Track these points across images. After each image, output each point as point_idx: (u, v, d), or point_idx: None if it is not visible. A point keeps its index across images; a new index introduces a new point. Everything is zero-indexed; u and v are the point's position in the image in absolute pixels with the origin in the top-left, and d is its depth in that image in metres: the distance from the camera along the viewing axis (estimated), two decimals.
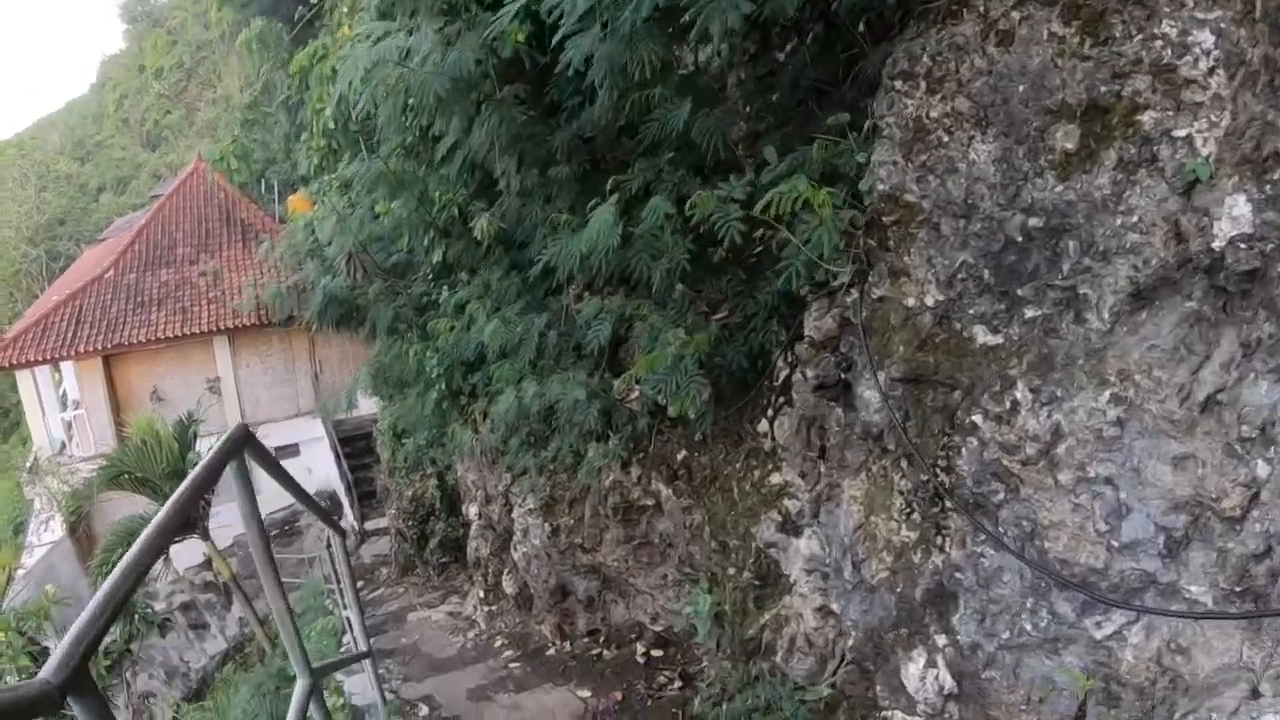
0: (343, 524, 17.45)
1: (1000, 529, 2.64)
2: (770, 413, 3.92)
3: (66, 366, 17.67)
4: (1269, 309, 2.15)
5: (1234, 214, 2.17)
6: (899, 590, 3.07)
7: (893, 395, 2.80)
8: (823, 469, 3.50)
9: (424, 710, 5.30)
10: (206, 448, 11.81)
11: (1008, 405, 2.53)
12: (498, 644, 6.93)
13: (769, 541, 3.83)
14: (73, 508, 13.64)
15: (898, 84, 2.80)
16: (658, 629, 5.71)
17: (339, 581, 4.68)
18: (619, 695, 4.85)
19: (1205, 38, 2.26)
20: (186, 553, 14.77)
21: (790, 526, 3.74)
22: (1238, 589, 2.24)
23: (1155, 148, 2.38)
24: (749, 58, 5.56)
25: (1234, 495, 2.22)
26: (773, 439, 3.92)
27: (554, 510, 6.30)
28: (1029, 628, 2.72)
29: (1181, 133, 2.34)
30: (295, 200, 16.04)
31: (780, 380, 3.92)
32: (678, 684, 4.89)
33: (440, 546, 11.77)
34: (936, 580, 2.93)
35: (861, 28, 4.03)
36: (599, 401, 4.73)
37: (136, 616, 11.92)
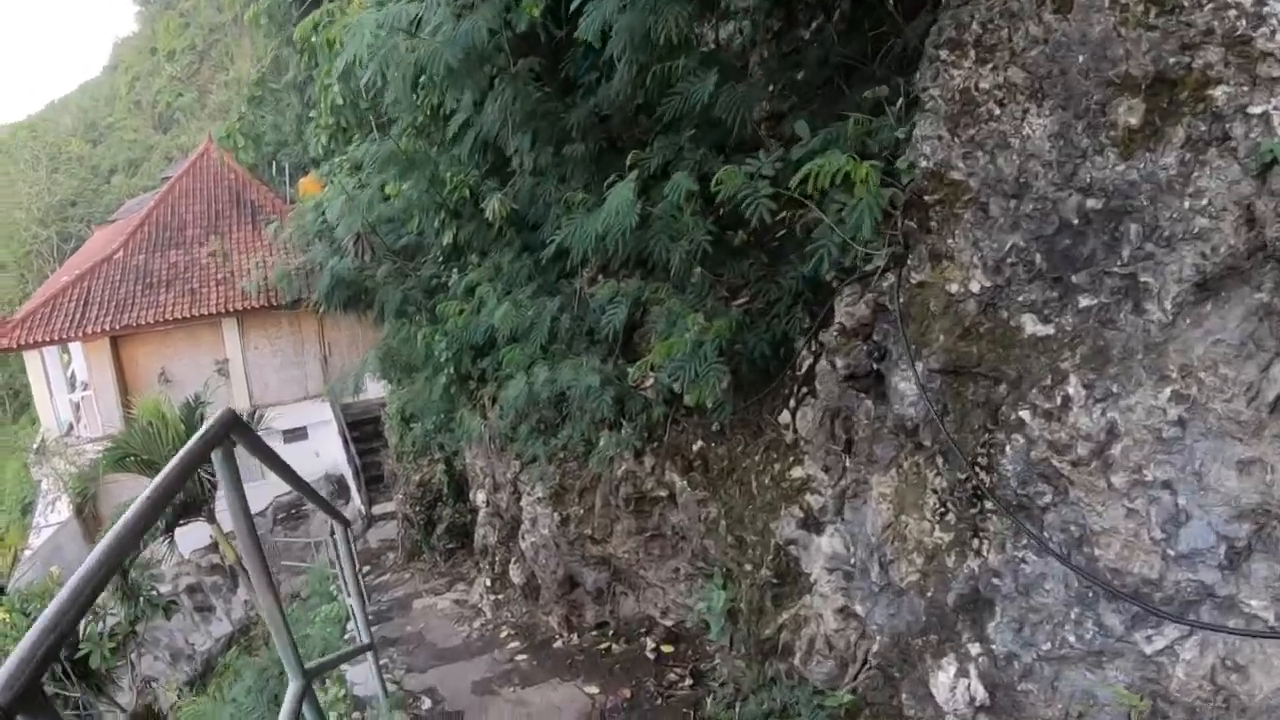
0: (350, 508, 17.44)
1: (1045, 534, 2.46)
2: (792, 403, 3.74)
3: (75, 348, 17.62)
4: None
5: None
6: (930, 594, 2.90)
7: (930, 387, 2.62)
8: (848, 464, 3.32)
9: (426, 703, 5.17)
10: None
11: (1058, 401, 2.35)
12: (504, 634, 6.80)
13: (789, 538, 3.66)
14: (79, 489, 13.58)
15: (943, 53, 2.60)
16: (668, 624, 5.56)
17: (341, 573, 4.53)
18: (627, 692, 4.70)
19: None
20: (193, 535, 14.72)
21: (812, 523, 3.57)
22: None
23: (1227, 125, 2.18)
24: (772, 36, 5.35)
25: None
26: (794, 431, 3.74)
27: (563, 499, 6.14)
28: (1072, 639, 2.54)
29: (1257, 110, 2.14)
30: (306, 183, 15.90)
31: (803, 370, 3.74)
32: (689, 682, 4.74)
33: (447, 533, 11.68)
34: (971, 585, 2.75)
35: (892, 3, 3.82)
36: (612, 388, 4.56)
37: (141, 599, 11.82)
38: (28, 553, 14.85)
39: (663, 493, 4.95)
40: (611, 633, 5.80)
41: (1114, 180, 2.32)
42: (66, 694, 11.86)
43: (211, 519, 12.59)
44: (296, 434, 18.12)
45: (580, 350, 5.25)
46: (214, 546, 14.14)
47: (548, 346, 5.33)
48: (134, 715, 12.52)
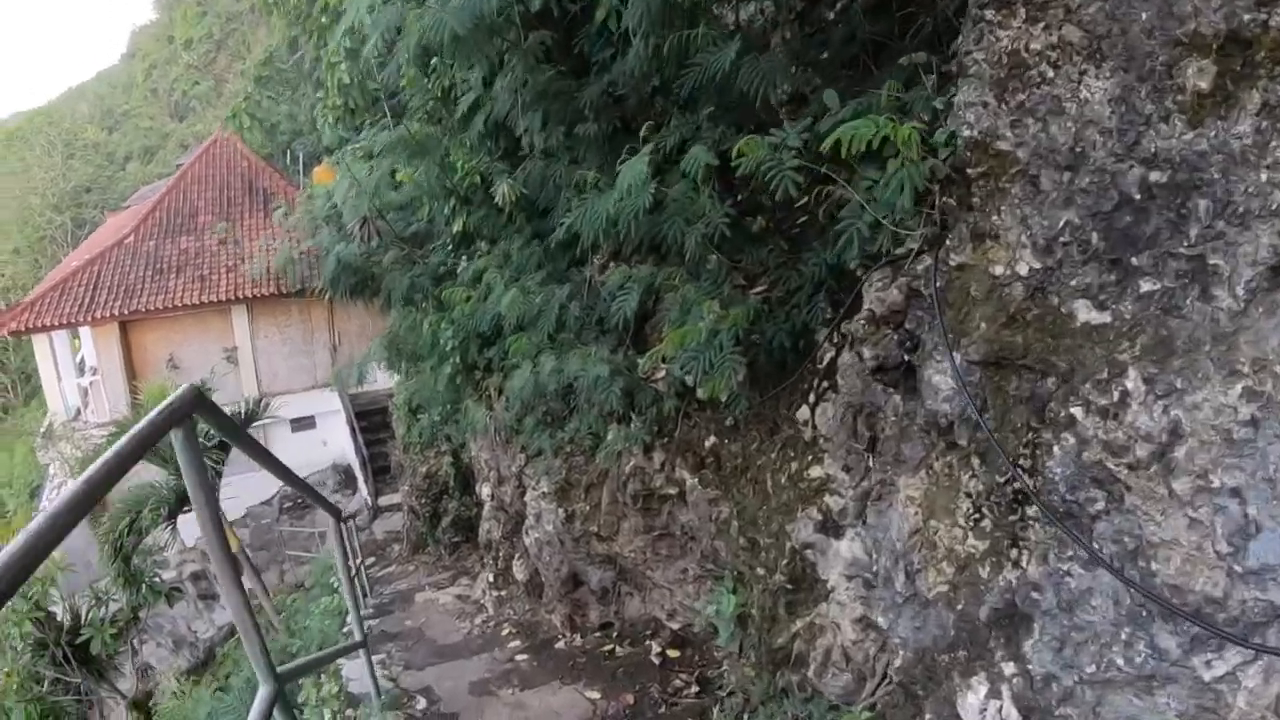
0: (357, 499, 17.31)
1: (1095, 545, 2.22)
2: (812, 398, 3.51)
3: (84, 333, 17.57)
4: None
5: None
6: (960, 608, 2.66)
7: (968, 380, 2.38)
8: (872, 463, 3.09)
9: (422, 703, 4.98)
10: None
11: (1115, 397, 2.11)
12: (505, 632, 6.61)
13: (805, 542, 3.43)
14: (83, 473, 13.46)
15: (988, 13, 2.36)
16: (675, 626, 5.35)
17: (335, 565, 4.34)
18: (630, 699, 4.49)
19: None
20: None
21: (831, 526, 3.34)
22: None
23: None
24: (795, 16, 5.11)
25: None
26: (813, 428, 3.51)
27: (569, 495, 5.93)
28: (1120, 662, 2.30)
29: None
30: (320, 172, 15.77)
31: (824, 363, 3.51)
32: (694, 689, 4.52)
33: (453, 525, 11.53)
34: (1007, 599, 2.51)
35: None
36: (622, 380, 4.34)
37: (144, 586, 11.71)
38: None
39: (672, 490, 4.73)
40: (616, 634, 5.59)
41: (1181, 150, 2.08)
42: (67, 679, 11.81)
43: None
44: (304, 423, 18.01)
45: (589, 340, 5.03)
46: None
47: (555, 335, 5.12)
48: (134, 702, 12.44)
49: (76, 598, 12.41)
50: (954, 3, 3.40)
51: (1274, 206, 1.97)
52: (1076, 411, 2.17)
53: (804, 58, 4.77)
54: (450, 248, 7.98)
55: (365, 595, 9.54)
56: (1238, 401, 2.01)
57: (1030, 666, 2.51)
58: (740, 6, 5.37)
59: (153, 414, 1.85)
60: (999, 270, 2.27)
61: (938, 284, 2.40)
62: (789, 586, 3.54)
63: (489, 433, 7.26)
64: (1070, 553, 2.34)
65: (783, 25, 5.24)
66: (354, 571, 8.75)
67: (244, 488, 15.55)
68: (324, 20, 7.84)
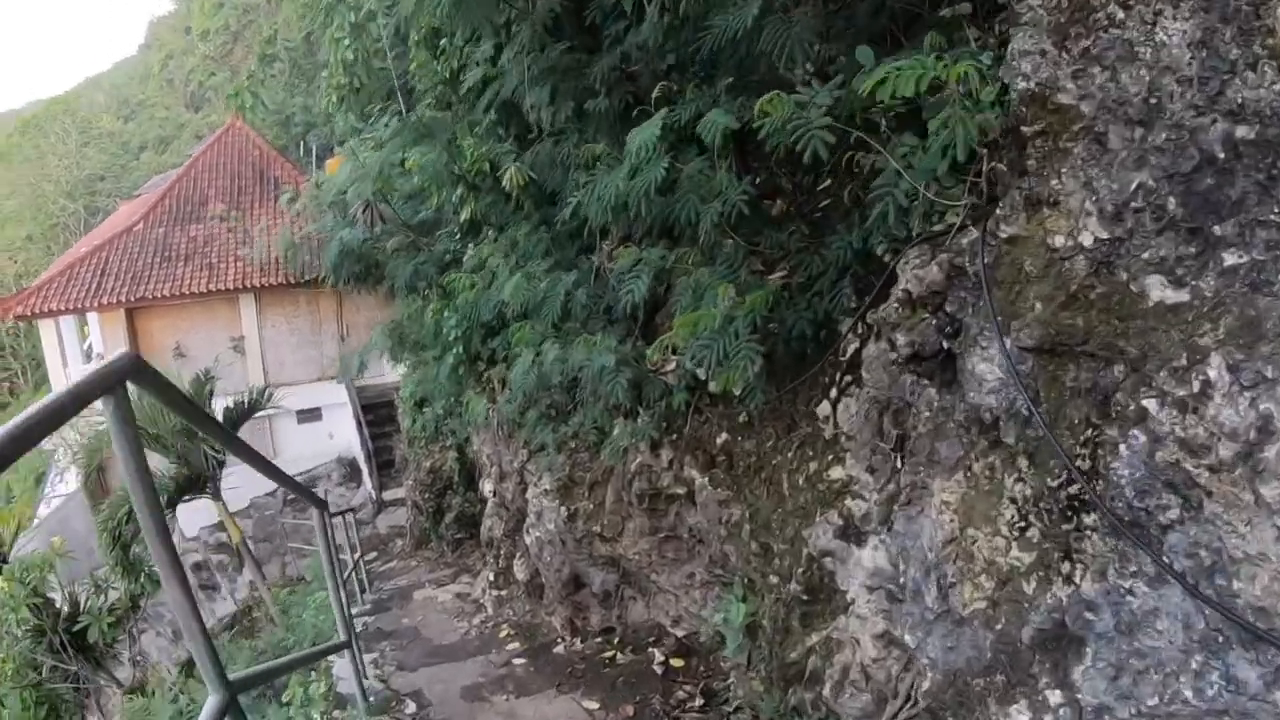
0: (361, 492, 17.12)
1: (1166, 559, 1.93)
2: (833, 393, 3.22)
3: (92, 319, 17.46)
4: None
5: None
6: (999, 627, 2.37)
7: (1019, 370, 2.09)
8: (901, 464, 2.80)
9: (411, 707, 4.72)
10: (222, 406, 11.37)
11: (1195, 387, 1.82)
12: (503, 634, 6.35)
13: (824, 549, 3.15)
14: (85, 460, 13.34)
15: None
16: (679, 633, 5.06)
17: (321, 562, 4.09)
18: (630, 710, 4.21)
19: None
20: (204, 512, 14.46)
21: (852, 532, 3.05)
22: None
23: None
24: None
25: None
26: (834, 425, 3.22)
27: (572, 493, 5.66)
28: (1188, 694, 2.00)
29: None
30: (333, 164, 15.61)
31: (848, 355, 3.22)
32: (699, 702, 4.24)
33: (456, 522, 11.29)
34: (1056, 619, 2.22)
35: None
36: (629, 371, 4.06)
37: (143, 574, 11.53)
38: (35, 522, 14.69)
39: (680, 490, 4.46)
40: (617, 640, 5.31)
41: (1271, 102, 1.79)
42: (65, 667, 11.64)
43: (217, 496, 12.28)
44: (311, 415, 17.85)
45: (596, 330, 4.77)
46: (222, 523, 13.82)
47: (560, 324, 4.86)
48: (130, 691, 12.26)
49: (76, 585, 12.26)
50: None
51: None
52: (1149, 404, 1.88)
53: (828, 34, 4.49)
54: (458, 235, 7.75)
55: (364, 590, 9.32)
56: None
57: (1080, 696, 2.22)
58: None
59: (83, 378, 1.59)
60: (1059, 242, 1.98)
61: (985, 260, 2.11)
62: (804, 597, 3.25)
63: (491, 426, 7.01)
64: (1134, 568, 2.05)
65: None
66: (350, 566, 8.53)
67: (248, 478, 15.35)
68: None
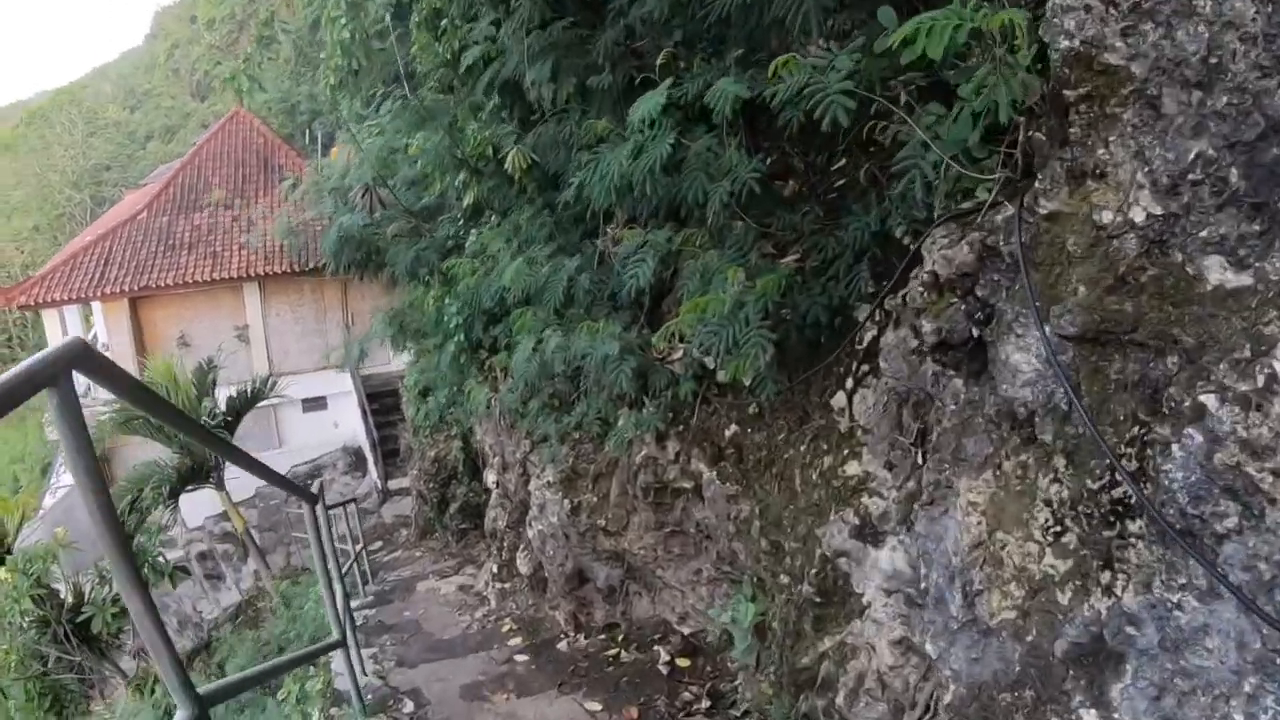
0: (367, 481, 17.03)
1: (1222, 570, 1.75)
2: (849, 383, 3.04)
3: (96, 309, 17.37)
4: None
5: None
6: (1030, 639, 2.19)
7: (1059, 359, 1.90)
8: (923, 461, 2.62)
9: (409, 706, 4.58)
10: (226, 395, 11.24)
11: (1259, 382, 1.63)
12: (505, 628, 6.20)
13: (838, 549, 2.97)
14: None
15: None
16: (685, 631, 4.91)
17: (317, 559, 3.93)
18: (634, 713, 4.06)
19: None
20: (209, 501, 14.39)
21: (869, 532, 2.87)
22: None
23: None
24: None
25: None
26: (850, 417, 3.04)
27: (575, 485, 5.50)
28: (1238, 718, 1.82)
29: None
30: (337, 152, 15.43)
31: (865, 343, 3.04)
32: (705, 704, 4.08)
33: (460, 512, 11.17)
34: (1093, 633, 2.04)
35: None
36: (633, 359, 3.88)
37: (147, 565, 11.45)
38: (41, 513, 14.64)
39: (687, 484, 4.28)
40: (622, 637, 5.16)
41: None
42: (70, 658, 11.60)
43: (220, 486, 12.19)
44: (316, 403, 17.76)
45: (600, 316, 4.59)
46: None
47: (563, 310, 4.68)
48: (134, 682, 12.22)
49: (80, 576, 12.20)
50: None
51: None
52: (1207, 400, 1.69)
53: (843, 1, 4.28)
54: (460, 221, 7.58)
55: (366, 582, 9.20)
56: None
57: (1117, 716, 2.04)
58: None
59: (12, 372, 1.42)
60: (1106, 218, 1.78)
61: (1023, 238, 1.91)
62: (817, 599, 3.08)
63: (493, 416, 6.86)
64: (1183, 580, 1.86)
65: None
66: (352, 558, 8.40)
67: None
68: None
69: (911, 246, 3.00)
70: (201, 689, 1.92)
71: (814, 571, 3.11)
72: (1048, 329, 1.86)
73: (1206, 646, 1.86)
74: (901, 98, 2.56)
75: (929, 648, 2.50)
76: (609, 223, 4.93)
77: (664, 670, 4.46)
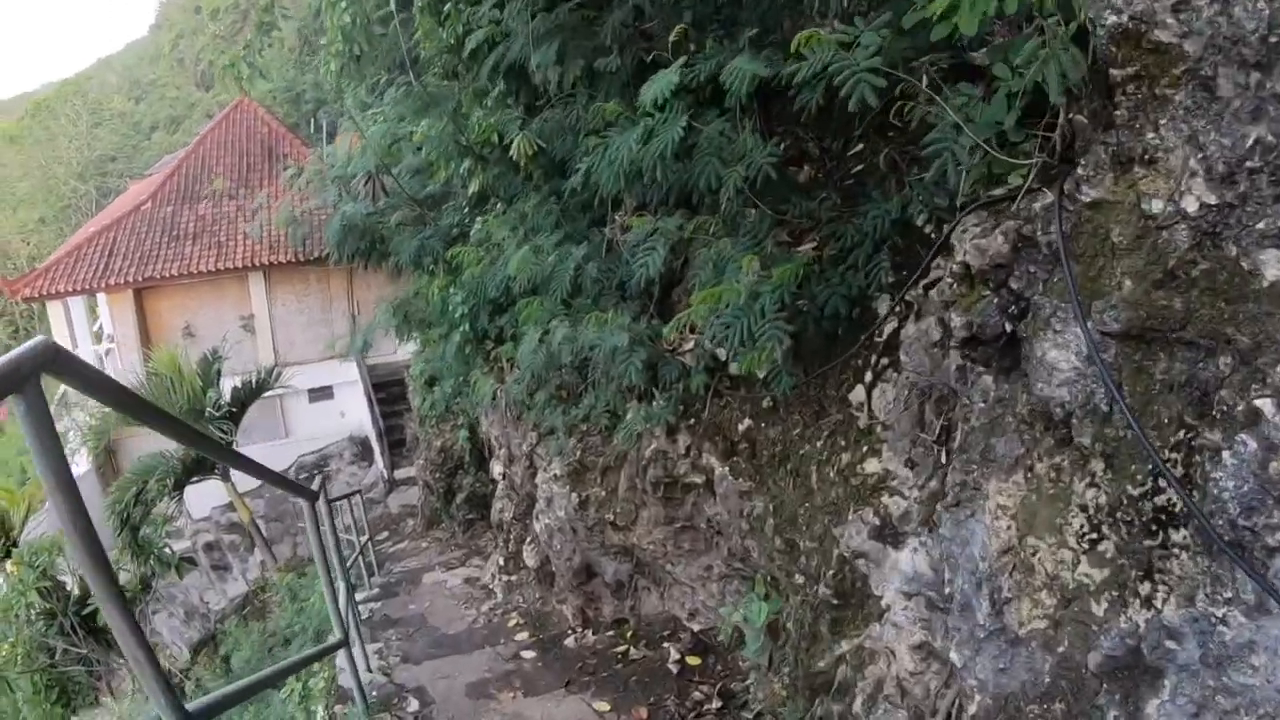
0: (373, 471, 16.98)
1: (1273, 584, 1.64)
2: (869, 377, 2.93)
3: (101, 300, 17.32)
4: None
5: None
6: (1061, 650, 2.09)
7: (1101, 357, 1.79)
8: (947, 460, 2.51)
9: (413, 705, 4.50)
10: (231, 386, 11.16)
11: None
12: (512, 623, 6.13)
13: (857, 550, 2.87)
14: (94, 443, 13.24)
15: None
16: (695, 628, 4.82)
17: (317, 558, 3.84)
18: (644, 713, 3.98)
19: None
20: (217, 491, 14.38)
21: (889, 533, 2.77)
22: None
23: None
24: None
25: None
26: (870, 412, 2.93)
27: (583, 479, 5.40)
28: None
29: None
30: (354, 140, 15.29)
31: (884, 335, 2.92)
32: (716, 704, 3.99)
33: (467, 502, 11.10)
34: (1129, 646, 1.93)
35: None
36: (643, 351, 3.77)
37: (152, 556, 11.44)
38: (47, 505, 14.64)
39: (698, 479, 4.18)
40: (630, 634, 5.07)
41: None
42: (77, 649, 11.61)
43: (226, 477, 12.16)
44: (322, 393, 17.71)
45: (609, 307, 4.48)
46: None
47: (570, 300, 4.57)
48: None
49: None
50: None
51: None
52: (1263, 405, 1.57)
53: None
54: (466, 209, 7.46)
55: (372, 574, 9.15)
56: None
57: None
58: None
59: None
60: (1155, 207, 1.66)
61: (1063, 228, 1.79)
62: (834, 601, 2.98)
63: (499, 407, 6.76)
64: (1229, 594, 1.75)
65: None
66: (357, 550, 8.34)
67: (257, 458, 15.23)
68: None
69: (934, 235, 2.89)
70: (190, 705, 1.83)
71: (831, 572, 3.00)
72: (1090, 325, 1.75)
73: (1252, 664, 1.75)
74: (924, 80, 2.44)
75: (953, 656, 2.39)
76: (617, 210, 4.81)
77: (674, 669, 4.37)
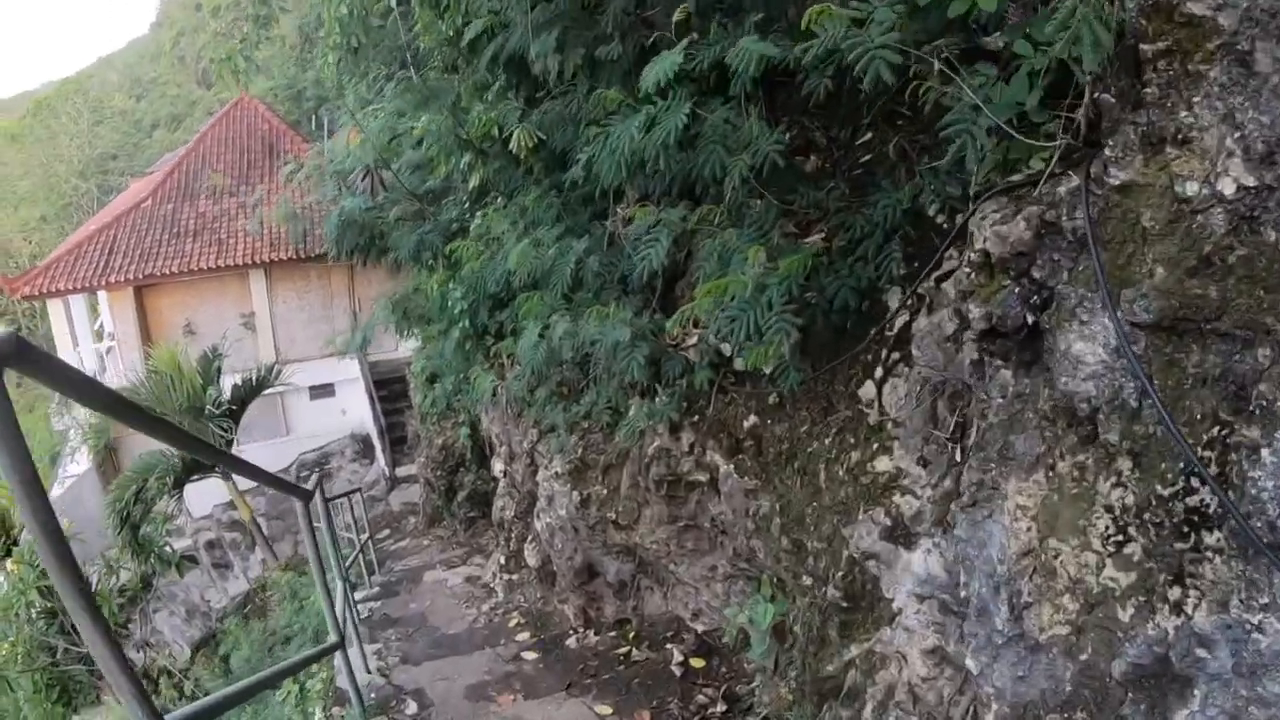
0: (375, 469, 16.91)
1: None
2: (879, 372, 2.83)
3: (102, 298, 17.26)
4: None
5: None
6: (1084, 657, 1.99)
7: (1130, 349, 1.69)
8: (962, 458, 2.41)
9: (411, 708, 4.42)
10: (231, 384, 11.08)
11: None
12: (513, 623, 6.05)
13: (867, 551, 2.77)
14: (94, 441, 13.18)
15: None
16: (699, 629, 4.73)
17: (312, 558, 3.76)
18: (646, 717, 3.89)
19: None
20: (218, 490, 14.34)
21: (901, 534, 2.67)
22: None
23: None
24: None
25: None
26: (880, 409, 2.83)
27: (584, 477, 5.31)
28: None
29: None
30: (352, 136, 15.20)
31: (895, 329, 2.82)
32: (721, 708, 3.91)
33: (468, 500, 11.03)
34: (1157, 653, 1.84)
35: None
36: (646, 346, 3.67)
37: (153, 555, 11.38)
38: None
39: (702, 477, 4.09)
40: (633, 634, 4.99)
41: None
42: (78, 648, 11.55)
43: (227, 475, 12.09)
44: (323, 390, 17.64)
45: (610, 301, 4.38)
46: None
47: (571, 294, 4.47)
48: (144, 671, 12.18)
49: (87, 566, 12.14)
50: None
51: None
52: None
53: None
54: (466, 204, 7.37)
55: (372, 573, 9.07)
56: None
57: None
58: None
59: None
60: (1190, 190, 1.56)
61: (1091, 213, 1.69)
62: (844, 603, 2.88)
63: (499, 404, 6.67)
64: (1265, 600, 1.66)
65: None
66: (357, 549, 8.26)
67: (259, 457, 15.16)
68: None
69: (946, 225, 2.79)
70: (169, 717, 1.74)
71: (840, 574, 2.91)
72: (1119, 314, 1.65)
73: None
74: (936, 67, 2.34)
75: (969, 662, 2.30)
76: (619, 202, 4.72)
77: (677, 671, 4.29)
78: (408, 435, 16.48)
